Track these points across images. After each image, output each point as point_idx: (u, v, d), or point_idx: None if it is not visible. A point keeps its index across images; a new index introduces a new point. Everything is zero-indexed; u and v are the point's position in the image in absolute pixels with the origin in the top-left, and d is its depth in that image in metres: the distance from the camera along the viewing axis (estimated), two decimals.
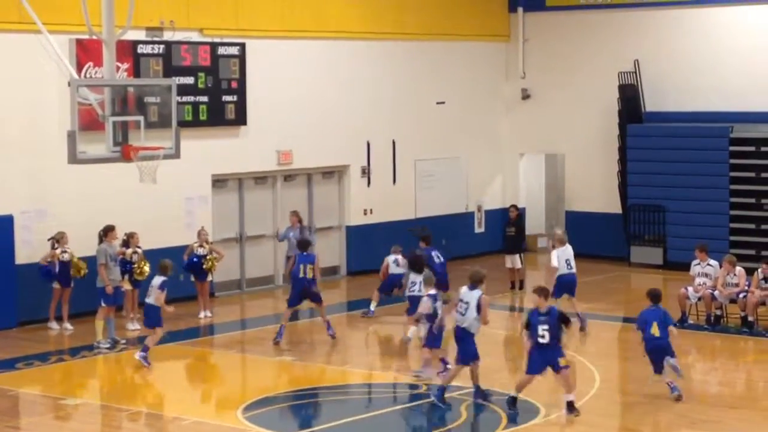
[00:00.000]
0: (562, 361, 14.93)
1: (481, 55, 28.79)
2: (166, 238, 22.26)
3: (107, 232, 19.99)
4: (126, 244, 20.51)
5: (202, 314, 21.51)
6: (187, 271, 21.52)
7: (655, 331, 15.86)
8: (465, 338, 15.50)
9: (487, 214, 28.87)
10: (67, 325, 20.38)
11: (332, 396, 16.51)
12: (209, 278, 21.86)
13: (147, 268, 20.36)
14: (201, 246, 21.48)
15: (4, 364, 18.13)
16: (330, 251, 25.80)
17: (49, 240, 20.32)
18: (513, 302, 23.45)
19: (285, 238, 22.94)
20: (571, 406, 15.04)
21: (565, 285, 19.74)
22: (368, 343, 19.92)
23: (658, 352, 15.85)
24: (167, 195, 22.24)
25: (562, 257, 19.92)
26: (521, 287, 23.94)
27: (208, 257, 21.34)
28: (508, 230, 24.45)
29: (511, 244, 24.23)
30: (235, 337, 20.39)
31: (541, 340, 14.88)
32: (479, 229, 28.79)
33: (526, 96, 29.16)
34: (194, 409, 15.78)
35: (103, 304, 19.30)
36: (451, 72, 28.08)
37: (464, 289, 15.64)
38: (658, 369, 15.88)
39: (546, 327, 14.87)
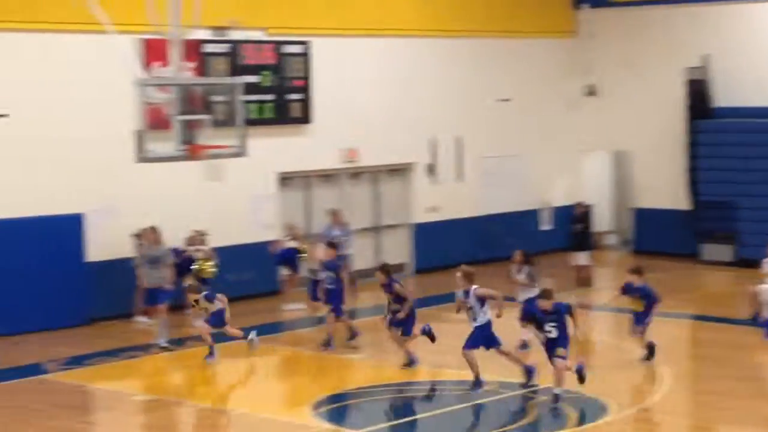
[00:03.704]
0: (559, 351, 15.17)
1: (545, 51, 28.60)
2: (232, 235, 22.39)
3: (145, 232, 20.15)
4: (192, 242, 20.66)
5: (293, 306, 21.59)
6: (278, 265, 21.64)
7: None
8: None
9: (553, 212, 28.67)
10: (145, 319, 20.57)
11: (402, 393, 16.47)
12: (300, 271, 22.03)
13: (211, 266, 20.46)
14: (293, 239, 21.59)
15: (77, 360, 18.37)
16: (396, 249, 25.80)
17: (131, 236, 20.48)
18: (580, 300, 23.20)
19: (326, 237, 22.75)
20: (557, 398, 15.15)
21: None
22: (437, 341, 19.82)
23: None
24: (233, 193, 22.38)
25: None
26: (588, 285, 23.74)
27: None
28: (574, 227, 24.25)
29: (577, 241, 24.03)
30: (306, 335, 20.31)
31: (549, 335, 15.26)
32: (546, 226, 28.60)
33: (591, 92, 28.93)
34: (264, 406, 15.82)
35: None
36: (516, 69, 27.93)
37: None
38: None
39: (554, 324, 15.20)
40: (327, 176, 24.81)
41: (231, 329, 18.25)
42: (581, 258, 23.91)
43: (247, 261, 22.55)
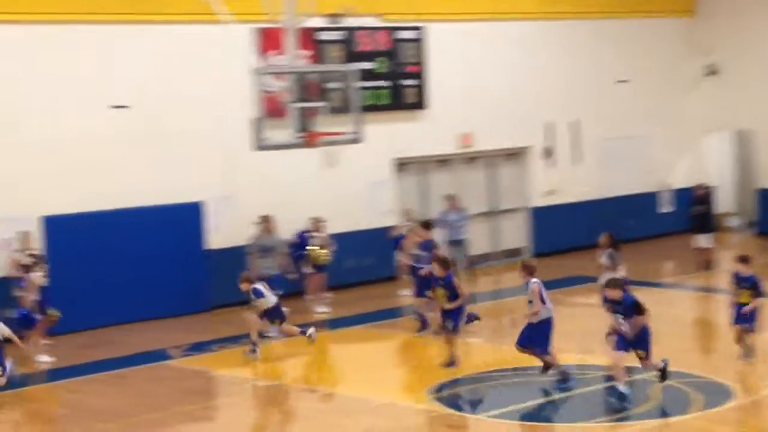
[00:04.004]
0: (640, 353, 14.54)
1: (663, 31, 28.11)
2: (349, 222, 22.50)
3: (258, 222, 20.31)
4: (310, 229, 20.83)
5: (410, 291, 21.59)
6: (396, 250, 21.70)
7: None
8: None
9: (674, 194, 28.19)
10: None
11: (519, 378, 16.35)
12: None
13: (325, 253, 20.53)
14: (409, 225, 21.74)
15: (198, 346, 18.68)
16: (514, 233, 25.66)
17: (253, 224, 20.71)
18: (702, 282, 22.78)
19: (443, 222, 22.66)
20: (663, 373, 14.65)
21: None
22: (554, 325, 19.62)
23: None
24: (350, 179, 22.50)
25: None
26: (710, 267, 23.29)
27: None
28: (695, 209, 23.80)
29: (698, 223, 23.59)
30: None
31: (622, 328, 14.51)
32: (666, 208, 28.13)
33: (711, 72, 28.35)
34: (383, 390, 15.85)
35: None
36: (634, 50, 27.51)
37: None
38: None
39: (621, 317, 14.50)
40: (443, 161, 24.77)
41: (287, 327, 17.78)
42: (703, 240, 23.46)
43: (364, 247, 22.68)
